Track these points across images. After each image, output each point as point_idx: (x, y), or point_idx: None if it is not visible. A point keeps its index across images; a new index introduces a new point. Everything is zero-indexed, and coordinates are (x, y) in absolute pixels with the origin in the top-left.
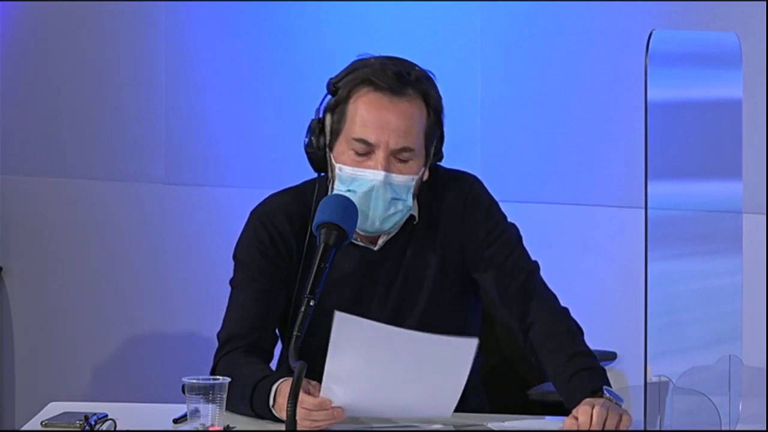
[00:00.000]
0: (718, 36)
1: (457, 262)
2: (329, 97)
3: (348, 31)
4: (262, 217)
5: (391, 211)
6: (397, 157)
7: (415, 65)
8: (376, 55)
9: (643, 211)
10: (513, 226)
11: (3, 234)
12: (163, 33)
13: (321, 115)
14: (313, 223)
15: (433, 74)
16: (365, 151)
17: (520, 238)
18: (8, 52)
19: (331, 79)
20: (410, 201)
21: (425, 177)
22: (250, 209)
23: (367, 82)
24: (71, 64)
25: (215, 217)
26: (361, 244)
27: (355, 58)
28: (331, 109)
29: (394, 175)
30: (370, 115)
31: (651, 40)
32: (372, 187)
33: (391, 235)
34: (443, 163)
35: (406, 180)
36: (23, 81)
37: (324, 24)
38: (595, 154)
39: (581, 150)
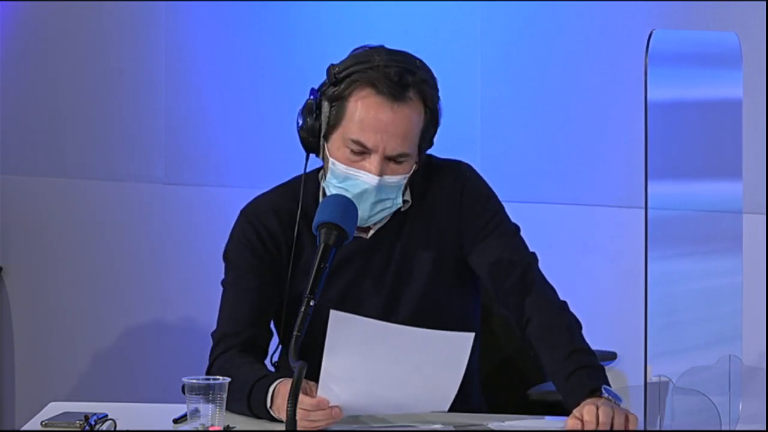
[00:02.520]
0: (718, 36)
1: (454, 249)
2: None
3: (348, 31)
4: (250, 215)
5: (378, 209)
6: (393, 160)
7: (418, 62)
8: (381, 47)
9: (643, 211)
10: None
11: (3, 234)
12: (163, 33)
13: (318, 98)
14: (313, 223)
15: (431, 70)
16: (361, 151)
17: (517, 229)
18: (8, 52)
19: (333, 65)
20: (399, 199)
21: (415, 168)
22: None
23: (370, 85)
24: (71, 64)
25: (215, 217)
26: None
27: (359, 49)
28: (329, 98)
29: (387, 177)
30: (369, 118)
31: (651, 40)
32: (365, 190)
33: (383, 224)
34: (437, 152)
35: (398, 180)
36: (23, 81)
37: (324, 24)
38: (595, 154)
39: (581, 150)
